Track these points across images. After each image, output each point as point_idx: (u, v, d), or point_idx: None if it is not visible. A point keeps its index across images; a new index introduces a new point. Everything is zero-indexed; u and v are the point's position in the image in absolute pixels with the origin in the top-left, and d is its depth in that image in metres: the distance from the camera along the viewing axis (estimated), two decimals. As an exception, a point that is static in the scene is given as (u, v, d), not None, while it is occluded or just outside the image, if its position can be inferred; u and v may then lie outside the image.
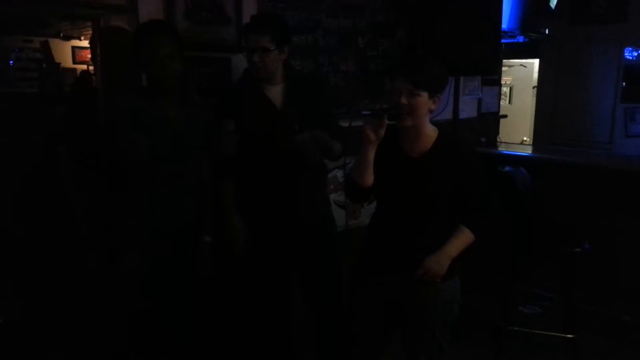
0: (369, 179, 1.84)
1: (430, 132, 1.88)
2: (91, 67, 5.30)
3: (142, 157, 1.99)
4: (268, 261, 2.35)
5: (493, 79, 4.24)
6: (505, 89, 6.02)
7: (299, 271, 2.46)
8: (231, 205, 2.30)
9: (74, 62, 6.02)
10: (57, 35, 5.70)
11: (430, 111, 1.84)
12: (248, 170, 2.29)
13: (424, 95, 1.76)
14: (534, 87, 5.81)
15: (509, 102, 6.25)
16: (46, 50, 5.24)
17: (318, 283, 2.45)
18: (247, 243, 2.31)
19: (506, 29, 3.87)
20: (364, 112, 1.75)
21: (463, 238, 1.87)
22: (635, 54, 4.72)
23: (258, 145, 2.23)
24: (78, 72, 5.93)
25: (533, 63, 5.84)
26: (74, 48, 5.99)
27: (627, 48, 4.75)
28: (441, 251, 1.83)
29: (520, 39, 4.16)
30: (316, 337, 2.56)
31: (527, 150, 4.41)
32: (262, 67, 2.16)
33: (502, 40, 3.82)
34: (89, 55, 5.67)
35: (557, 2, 4.30)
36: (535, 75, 5.75)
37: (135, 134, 1.96)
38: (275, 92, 2.27)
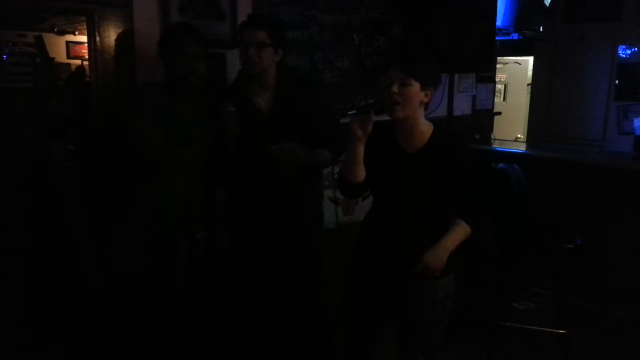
0: (360, 175, 1.84)
1: (425, 127, 1.88)
2: (85, 62, 5.27)
3: (154, 148, 2.08)
4: (257, 262, 2.35)
5: (487, 76, 4.25)
6: (499, 86, 6.04)
7: (282, 269, 2.43)
8: (219, 216, 2.33)
9: (68, 57, 5.98)
10: (51, 30, 5.66)
11: (423, 105, 1.84)
12: (238, 172, 2.29)
13: (416, 85, 1.77)
14: (528, 85, 5.83)
15: (504, 100, 6.27)
16: (40, 45, 5.20)
17: (297, 280, 2.44)
18: (230, 250, 2.34)
19: (501, 27, 3.88)
20: (349, 113, 1.75)
21: (460, 231, 1.87)
22: (629, 52, 4.74)
23: (245, 149, 2.21)
24: (72, 67, 5.90)
25: (527, 60, 5.86)
26: (68, 43, 5.95)
27: (620, 46, 4.77)
28: (439, 245, 1.83)
29: (515, 36, 4.18)
30: (296, 335, 2.57)
31: (521, 147, 4.42)
32: (258, 62, 2.15)
33: (497, 38, 3.84)
34: (83, 50, 5.65)
35: (552, 0, 4.31)
36: (530, 72, 5.76)
37: (152, 126, 2.07)
38: (265, 97, 2.25)
